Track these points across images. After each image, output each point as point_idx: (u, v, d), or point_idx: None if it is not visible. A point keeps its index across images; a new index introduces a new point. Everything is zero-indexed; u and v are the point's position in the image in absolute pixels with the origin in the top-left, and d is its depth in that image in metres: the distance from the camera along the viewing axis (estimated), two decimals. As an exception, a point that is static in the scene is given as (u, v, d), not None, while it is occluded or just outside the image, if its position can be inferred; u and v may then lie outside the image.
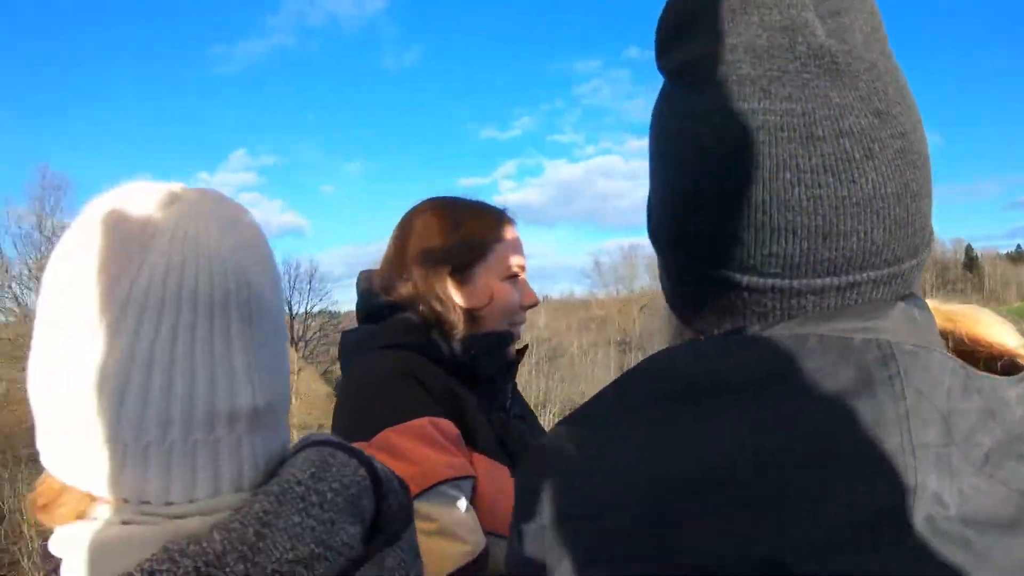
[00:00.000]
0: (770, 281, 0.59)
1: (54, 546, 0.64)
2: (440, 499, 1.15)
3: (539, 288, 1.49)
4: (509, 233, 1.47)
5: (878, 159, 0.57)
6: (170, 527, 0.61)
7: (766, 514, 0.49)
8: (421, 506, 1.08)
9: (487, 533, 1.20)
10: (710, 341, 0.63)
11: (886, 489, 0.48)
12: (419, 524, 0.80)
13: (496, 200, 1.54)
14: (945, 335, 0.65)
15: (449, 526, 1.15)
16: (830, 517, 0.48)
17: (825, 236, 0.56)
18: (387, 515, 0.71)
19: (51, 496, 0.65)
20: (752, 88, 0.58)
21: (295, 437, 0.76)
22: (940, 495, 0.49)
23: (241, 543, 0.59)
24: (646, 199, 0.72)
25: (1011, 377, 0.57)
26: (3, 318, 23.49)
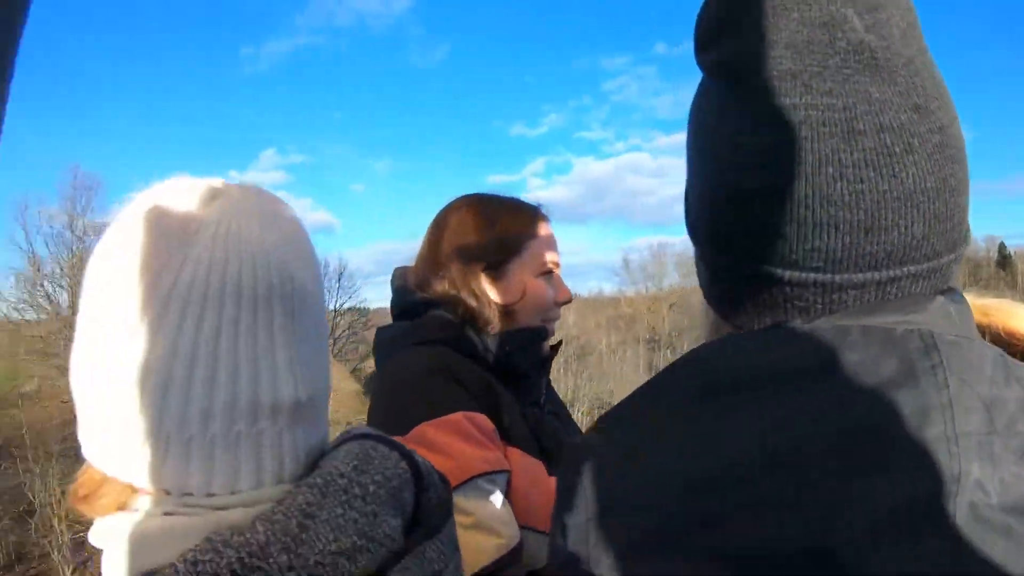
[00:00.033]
0: (812, 276, 0.59)
1: (94, 537, 0.65)
2: (476, 493, 1.16)
3: (569, 286, 1.50)
4: (543, 230, 1.48)
5: (918, 154, 0.57)
6: (212, 518, 0.61)
7: (811, 504, 0.49)
8: (457, 500, 1.08)
9: (521, 527, 1.20)
10: (751, 335, 0.63)
11: (930, 477, 0.49)
12: (455, 517, 0.80)
13: (527, 197, 1.55)
14: (981, 329, 0.65)
15: (485, 519, 1.15)
16: (874, 505, 0.48)
17: (867, 231, 0.57)
18: (427, 508, 0.71)
19: (92, 487, 0.66)
20: (793, 83, 0.58)
21: (325, 433, 0.76)
22: (983, 483, 0.49)
23: (284, 534, 0.59)
24: (683, 195, 0.72)
25: None
26: (35, 316, 23.79)
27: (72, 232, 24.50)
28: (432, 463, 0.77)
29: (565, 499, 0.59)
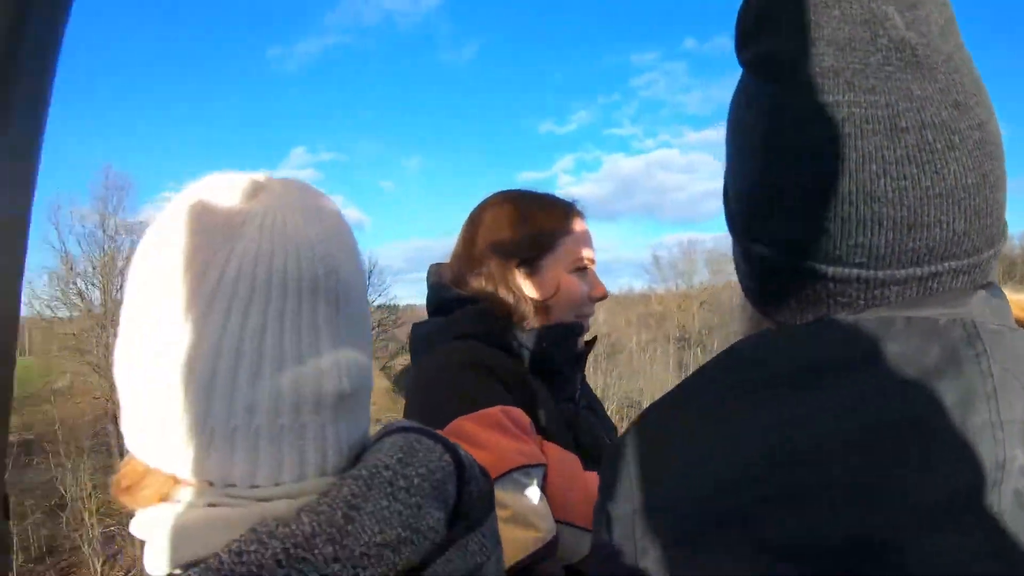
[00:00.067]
0: (855, 272, 0.59)
1: (136, 528, 0.65)
2: (512, 486, 1.16)
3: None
4: (578, 226, 1.48)
5: (959, 150, 0.58)
6: (256, 510, 0.61)
7: (856, 492, 0.49)
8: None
9: (557, 522, 1.20)
10: (794, 328, 0.63)
11: (975, 464, 0.49)
12: None
13: (561, 193, 1.55)
14: (1019, 324, 0.65)
15: (521, 513, 1.15)
16: (919, 494, 0.48)
17: (910, 227, 0.57)
18: (469, 501, 0.72)
19: (134, 478, 0.66)
20: (836, 81, 0.59)
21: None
22: None
23: (330, 526, 0.59)
24: (721, 192, 0.73)
25: None
26: (67, 314, 24.32)
27: (104, 231, 25.05)
28: None
29: (611, 492, 0.60)
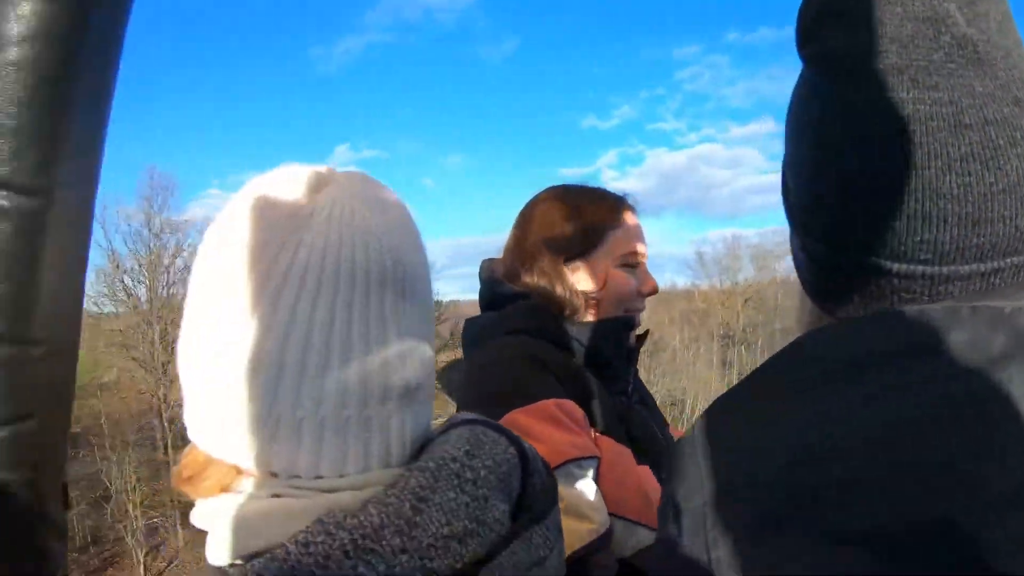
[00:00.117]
0: (920, 268, 0.60)
1: (197, 518, 0.65)
2: (567, 478, 1.15)
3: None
4: (627, 219, 1.48)
5: (1020, 146, 0.58)
6: (321, 501, 0.61)
7: (923, 478, 0.49)
8: None
9: (609, 515, 1.20)
10: (858, 319, 0.63)
11: None
12: None
13: (612, 187, 1.55)
14: None
15: (576, 505, 1.15)
16: (987, 478, 0.48)
17: (975, 223, 0.58)
18: (532, 493, 0.71)
19: (196, 469, 0.66)
20: (900, 78, 0.59)
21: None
22: None
23: (398, 517, 0.59)
24: (780, 186, 0.74)
25: None
26: (114, 310, 24.87)
27: (149, 230, 25.63)
28: None
29: (679, 485, 0.60)
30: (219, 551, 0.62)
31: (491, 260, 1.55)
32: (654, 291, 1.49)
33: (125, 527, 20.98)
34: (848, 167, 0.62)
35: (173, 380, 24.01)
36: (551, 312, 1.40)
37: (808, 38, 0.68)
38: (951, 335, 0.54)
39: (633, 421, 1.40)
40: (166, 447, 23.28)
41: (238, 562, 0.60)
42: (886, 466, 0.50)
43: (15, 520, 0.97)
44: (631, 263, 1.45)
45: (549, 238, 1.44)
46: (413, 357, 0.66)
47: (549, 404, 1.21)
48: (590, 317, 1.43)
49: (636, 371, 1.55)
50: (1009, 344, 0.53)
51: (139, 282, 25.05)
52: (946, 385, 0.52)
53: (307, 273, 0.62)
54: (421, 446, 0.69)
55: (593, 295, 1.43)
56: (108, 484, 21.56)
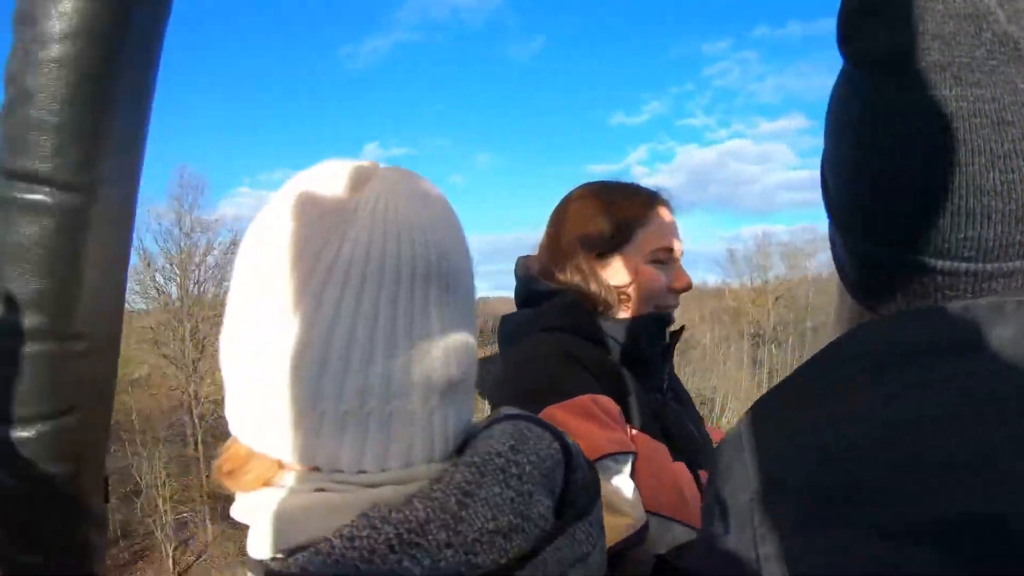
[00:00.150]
0: (964, 265, 0.60)
1: (238, 512, 0.65)
2: (603, 473, 1.15)
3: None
4: (658, 215, 1.47)
5: None
6: (364, 495, 0.61)
7: (972, 469, 0.49)
8: None
9: (645, 511, 1.20)
10: (905, 312, 0.63)
11: None
12: None
13: (646, 182, 1.55)
14: None
15: (613, 499, 1.15)
16: None
17: (1018, 220, 0.57)
18: (575, 489, 0.71)
19: (237, 463, 0.66)
20: (942, 75, 0.59)
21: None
22: None
23: (443, 512, 0.59)
24: (811, 184, 0.75)
25: None
26: (146, 307, 25.16)
27: (180, 229, 25.93)
28: None
29: (725, 481, 0.60)
30: (261, 545, 0.62)
31: (526, 257, 1.55)
32: (687, 287, 1.49)
33: (155, 521, 21.25)
34: (890, 165, 0.61)
35: (203, 377, 24.33)
36: (586, 309, 1.40)
37: (849, 36, 0.67)
38: (997, 329, 0.54)
39: (668, 418, 1.41)
40: (196, 443, 23.46)
41: (279, 556, 0.60)
42: (935, 461, 0.50)
43: (57, 513, 0.98)
44: (662, 259, 1.45)
45: (582, 235, 1.44)
46: (457, 351, 0.66)
47: (585, 399, 1.21)
48: (624, 314, 1.43)
49: (671, 367, 1.56)
50: None
51: (170, 279, 25.44)
52: (990, 380, 0.52)
53: (351, 268, 0.61)
54: (463, 441, 0.69)
55: (624, 291, 1.43)
56: (138, 479, 21.85)
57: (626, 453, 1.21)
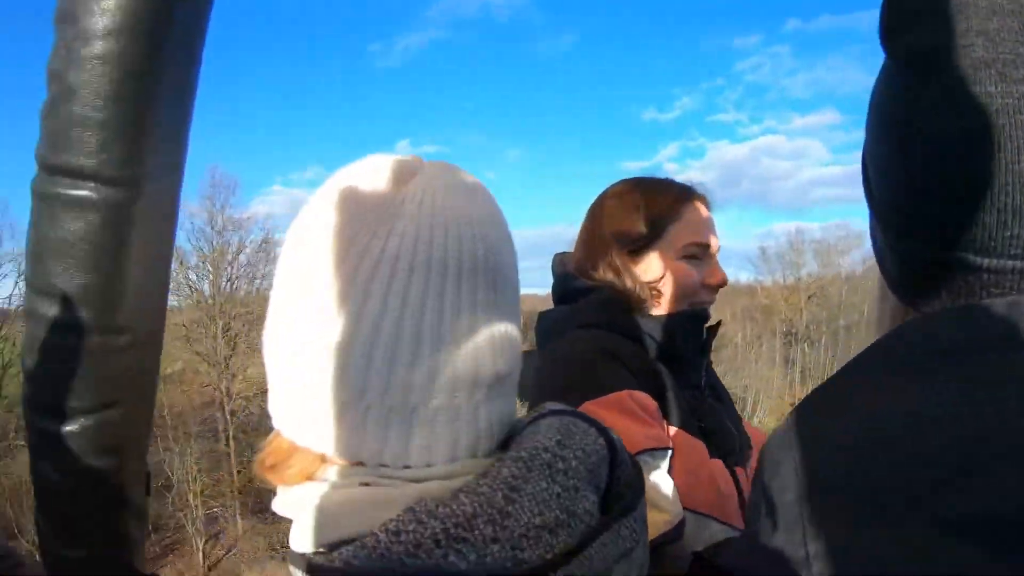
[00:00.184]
0: (1010, 263, 0.59)
1: (281, 506, 0.65)
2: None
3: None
4: (691, 211, 1.47)
5: None
6: (409, 490, 0.60)
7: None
8: None
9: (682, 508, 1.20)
10: (951, 309, 0.63)
11: None
12: None
13: (681, 178, 1.54)
14: None
15: (650, 495, 1.15)
16: None
17: None
18: (619, 485, 0.71)
19: (280, 457, 0.66)
20: (988, 72, 0.58)
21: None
22: None
23: (490, 506, 0.58)
24: (855, 181, 0.74)
25: None
26: (179, 304, 25.48)
27: (212, 227, 26.23)
28: None
29: (772, 479, 0.60)
30: (304, 539, 0.61)
31: (562, 254, 1.56)
32: (722, 283, 1.48)
33: (185, 516, 21.52)
34: (933, 163, 0.61)
35: (235, 374, 24.57)
36: (622, 306, 1.40)
37: (892, 33, 0.67)
38: None
39: (706, 414, 1.40)
40: (227, 439, 23.67)
41: (322, 550, 0.60)
42: (987, 456, 0.50)
43: (100, 506, 0.99)
44: (694, 255, 1.44)
45: (616, 231, 1.44)
46: (503, 345, 0.66)
47: (623, 395, 1.22)
48: (658, 310, 1.43)
49: (709, 364, 1.56)
50: None
51: (203, 277, 25.74)
52: None
53: (399, 261, 0.61)
54: (507, 436, 0.68)
55: (656, 287, 1.43)
56: (170, 474, 22.15)
57: (663, 449, 1.21)
